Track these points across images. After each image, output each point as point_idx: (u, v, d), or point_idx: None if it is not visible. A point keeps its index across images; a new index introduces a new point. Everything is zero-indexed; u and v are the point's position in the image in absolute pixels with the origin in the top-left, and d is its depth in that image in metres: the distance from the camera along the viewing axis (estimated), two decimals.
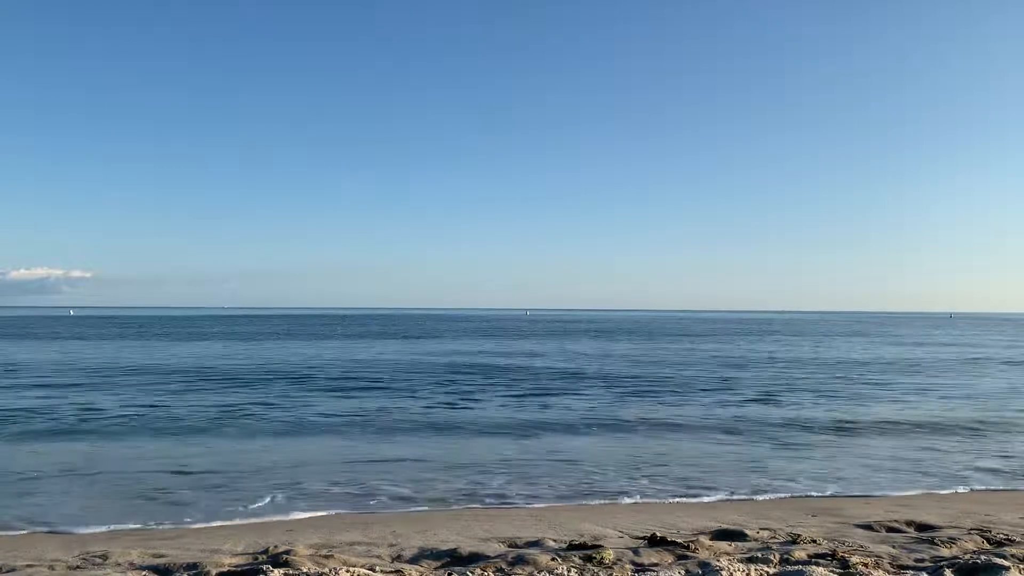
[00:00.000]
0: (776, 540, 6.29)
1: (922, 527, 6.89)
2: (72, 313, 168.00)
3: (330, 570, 5.12)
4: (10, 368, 26.06)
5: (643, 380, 23.45)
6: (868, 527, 6.92)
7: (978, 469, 10.71)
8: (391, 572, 5.33)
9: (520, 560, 5.57)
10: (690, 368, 28.02)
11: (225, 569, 5.42)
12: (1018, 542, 6.12)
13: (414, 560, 5.86)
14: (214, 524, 7.72)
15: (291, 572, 5.14)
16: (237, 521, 7.90)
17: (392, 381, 22.71)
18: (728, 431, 13.87)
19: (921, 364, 30.74)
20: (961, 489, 9.48)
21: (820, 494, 9.18)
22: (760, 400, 18.50)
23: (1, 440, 12.56)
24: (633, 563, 5.53)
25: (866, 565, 5.24)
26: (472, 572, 5.28)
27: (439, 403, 17.72)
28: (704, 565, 5.17)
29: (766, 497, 9.06)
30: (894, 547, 6.01)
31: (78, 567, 5.85)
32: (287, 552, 5.94)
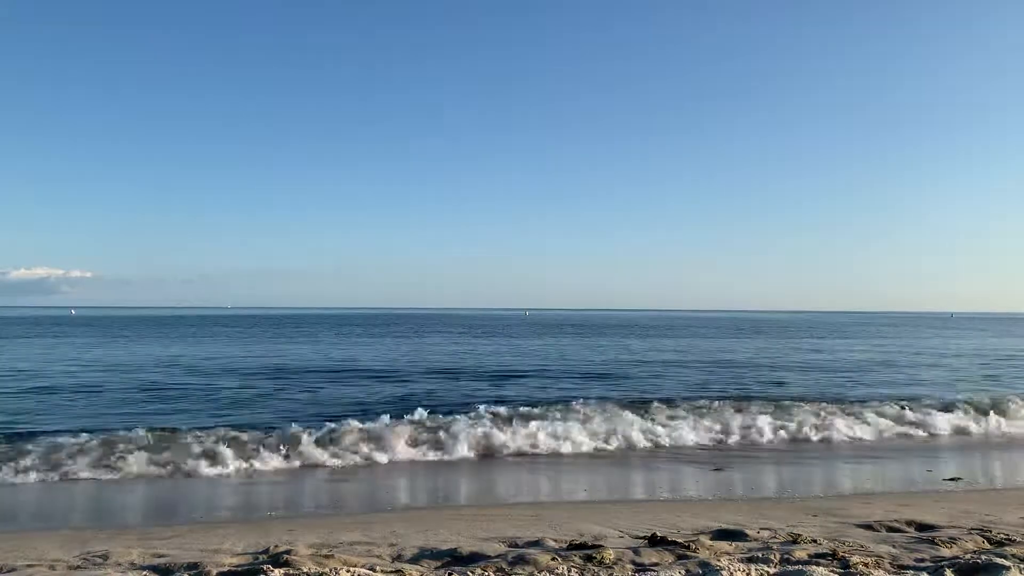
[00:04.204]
0: (776, 540, 6.29)
1: (923, 527, 6.89)
2: (73, 313, 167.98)
3: (330, 570, 5.12)
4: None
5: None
6: (869, 527, 6.92)
7: None
8: (391, 572, 5.33)
9: (520, 560, 5.57)
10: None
11: (225, 569, 5.42)
12: (1019, 542, 6.11)
13: (414, 560, 5.86)
14: (214, 523, 7.73)
15: (291, 572, 5.14)
16: (238, 520, 7.91)
17: None
18: None
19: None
20: (958, 489, 9.51)
21: (821, 494, 9.19)
22: None
23: None
24: (633, 563, 5.53)
25: (867, 565, 5.23)
26: (472, 572, 5.28)
27: None
28: (704, 565, 5.16)
29: (767, 497, 9.08)
30: (895, 547, 6.01)
31: (79, 567, 5.86)
32: (288, 552, 5.94)
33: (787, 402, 16.30)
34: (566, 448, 12.18)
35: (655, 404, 15.60)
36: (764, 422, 13.96)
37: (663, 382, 22.63)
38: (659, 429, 13.40)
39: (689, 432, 13.35)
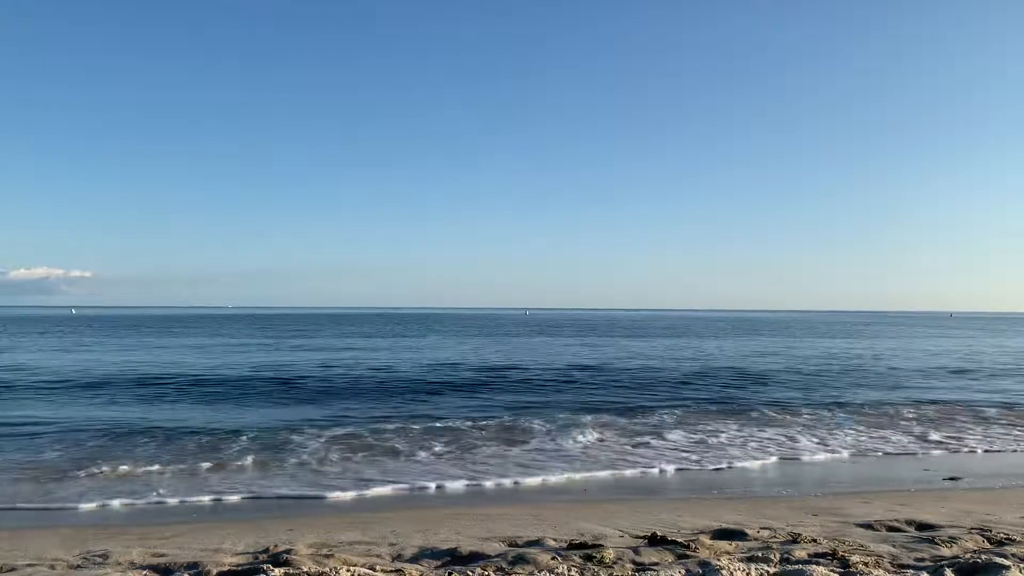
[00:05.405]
0: (776, 539, 6.28)
1: (923, 526, 6.89)
2: (73, 312, 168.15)
3: (330, 569, 5.12)
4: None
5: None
6: (869, 526, 6.92)
7: None
8: (391, 571, 5.33)
9: (520, 559, 5.56)
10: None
11: (226, 568, 5.42)
12: (1019, 541, 6.11)
13: (414, 559, 5.86)
14: (214, 523, 7.72)
15: (291, 571, 5.14)
16: (237, 520, 7.90)
17: None
18: None
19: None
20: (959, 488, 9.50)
21: (821, 493, 9.19)
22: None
23: None
24: (633, 562, 5.53)
25: (867, 564, 5.23)
26: (472, 571, 5.28)
27: None
28: (704, 564, 5.16)
29: (766, 496, 9.07)
30: (895, 546, 6.01)
31: (79, 566, 5.85)
32: (287, 551, 5.94)
33: None
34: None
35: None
36: None
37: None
38: None
39: None
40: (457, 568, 5.44)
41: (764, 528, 6.81)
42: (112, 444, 12.19)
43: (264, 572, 5.11)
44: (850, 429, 14.31)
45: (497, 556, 5.75)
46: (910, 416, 16.01)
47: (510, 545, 6.25)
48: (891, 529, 6.81)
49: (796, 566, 5.09)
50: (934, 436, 13.67)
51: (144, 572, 5.54)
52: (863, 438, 13.40)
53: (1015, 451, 12.50)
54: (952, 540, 6.12)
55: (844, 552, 5.62)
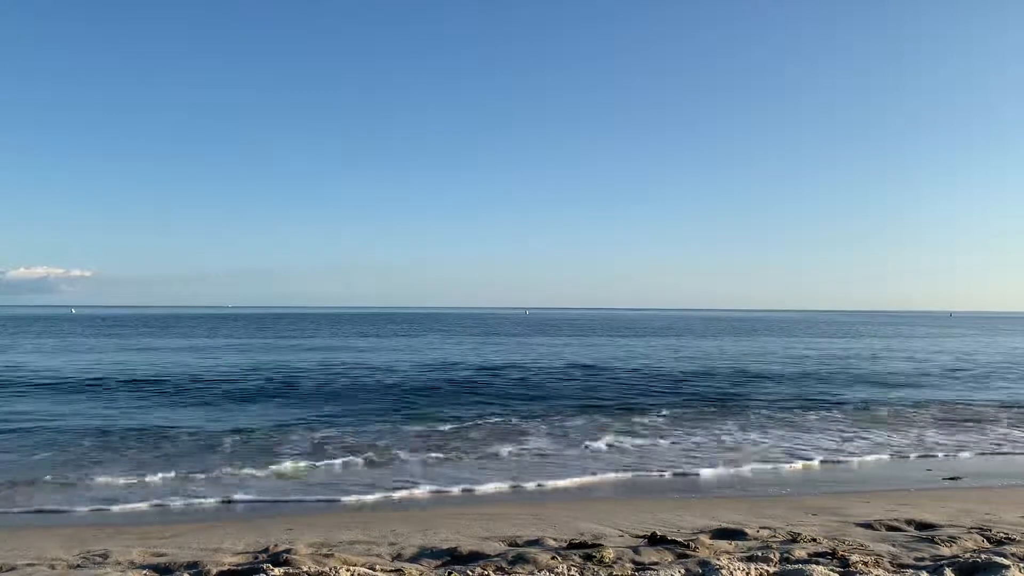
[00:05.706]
0: (776, 539, 6.28)
1: (922, 526, 6.89)
2: (73, 312, 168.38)
3: (330, 569, 5.12)
4: None
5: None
6: (868, 526, 6.92)
7: None
8: (391, 571, 5.33)
9: (520, 559, 5.56)
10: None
11: (225, 568, 5.42)
12: (1018, 541, 6.11)
13: (414, 559, 5.86)
14: (214, 523, 7.72)
15: (291, 571, 5.14)
16: (237, 520, 7.90)
17: None
18: None
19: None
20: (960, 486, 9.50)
21: (820, 493, 9.19)
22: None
23: None
24: (633, 562, 5.53)
25: (866, 564, 5.23)
26: (472, 571, 5.28)
27: None
28: (704, 564, 5.16)
29: (765, 495, 9.07)
30: (894, 546, 6.01)
31: (78, 566, 5.85)
32: (287, 551, 5.94)
33: None
34: None
35: None
36: None
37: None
38: None
39: None
40: (457, 568, 5.44)
41: (764, 528, 6.81)
42: (111, 443, 12.20)
43: (264, 572, 5.11)
44: (850, 429, 14.33)
45: (497, 555, 5.75)
46: (910, 416, 16.03)
47: (510, 545, 6.25)
48: (891, 528, 6.81)
49: (796, 565, 5.09)
50: (934, 435, 13.69)
51: (144, 572, 5.54)
52: (863, 437, 13.42)
53: (1015, 451, 12.51)
54: (952, 540, 6.12)
55: (844, 551, 5.62)
